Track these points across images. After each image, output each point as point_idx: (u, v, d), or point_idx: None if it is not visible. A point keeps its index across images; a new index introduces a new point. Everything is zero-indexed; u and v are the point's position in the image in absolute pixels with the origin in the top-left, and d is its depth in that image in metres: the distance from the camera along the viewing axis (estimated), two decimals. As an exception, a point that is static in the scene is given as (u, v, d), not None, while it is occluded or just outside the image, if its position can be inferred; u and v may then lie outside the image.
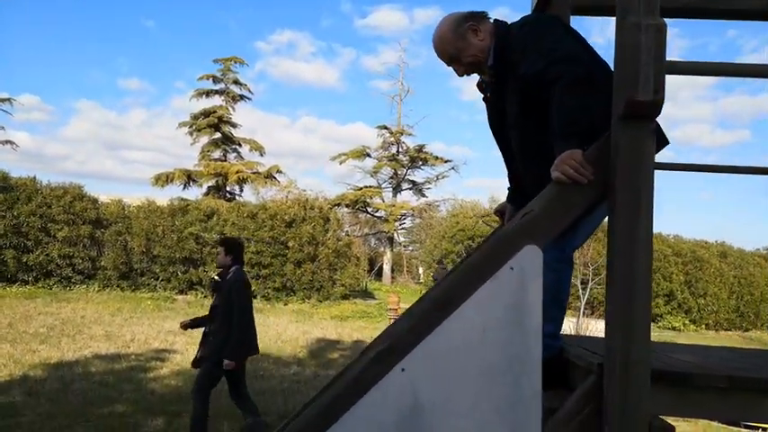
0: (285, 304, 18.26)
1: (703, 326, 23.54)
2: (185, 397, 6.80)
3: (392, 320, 12.68)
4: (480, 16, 2.16)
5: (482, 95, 2.32)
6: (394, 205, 30.10)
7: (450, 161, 30.41)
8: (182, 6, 52.81)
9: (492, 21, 2.18)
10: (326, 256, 18.79)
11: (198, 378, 5.12)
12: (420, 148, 30.05)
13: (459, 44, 2.12)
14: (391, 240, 30.49)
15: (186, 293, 18.21)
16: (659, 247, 22.96)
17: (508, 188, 2.49)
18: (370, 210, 31.42)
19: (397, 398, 1.61)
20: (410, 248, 37.28)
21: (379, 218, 31.74)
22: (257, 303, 17.95)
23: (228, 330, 4.92)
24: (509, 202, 2.48)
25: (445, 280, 1.68)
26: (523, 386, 1.59)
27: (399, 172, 30.94)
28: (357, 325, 14.64)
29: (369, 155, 31.11)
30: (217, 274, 5.90)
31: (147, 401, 6.52)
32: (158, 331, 11.71)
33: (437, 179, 30.92)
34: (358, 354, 7.97)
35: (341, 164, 31.45)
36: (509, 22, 2.18)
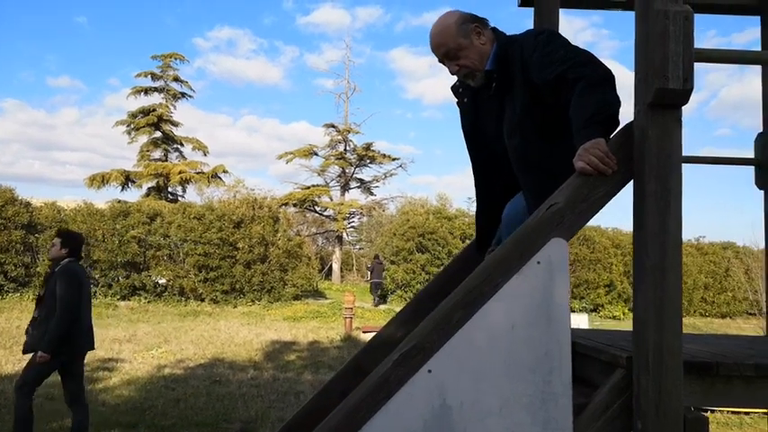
0: (234, 307, 17.83)
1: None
2: (139, 407, 6.50)
3: (347, 319, 12.58)
4: (484, 21, 2.14)
5: (456, 100, 2.27)
6: (342, 204, 29.93)
7: (397, 159, 30.53)
8: (115, 2, 50.70)
9: (492, 28, 2.15)
10: (277, 257, 18.47)
11: (23, 371, 4.79)
12: (368, 147, 30.00)
13: (462, 41, 2.07)
14: (340, 239, 30.31)
15: (129, 299, 17.49)
16: (600, 239, 23.81)
17: (477, 225, 2.37)
18: (318, 209, 31.13)
19: (424, 400, 1.54)
20: (358, 247, 37.17)
21: (327, 217, 31.50)
22: (205, 307, 17.48)
23: (51, 323, 4.60)
24: (478, 249, 2.36)
25: (469, 277, 1.61)
26: (554, 382, 1.55)
27: (347, 170, 30.78)
28: (311, 325, 14.43)
29: (316, 153, 30.82)
30: (48, 267, 5.74)
31: (99, 414, 6.17)
32: (102, 340, 11.12)
33: (385, 177, 30.98)
34: (315, 355, 7.96)
35: (287, 163, 31.00)
36: (507, 33, 2.15)
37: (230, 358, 9.90)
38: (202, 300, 17.99)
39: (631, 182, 1.62)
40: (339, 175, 31.15)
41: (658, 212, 1.51)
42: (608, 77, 1.79)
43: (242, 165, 62.87)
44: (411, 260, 21.30)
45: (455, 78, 2.22)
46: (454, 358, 1.55)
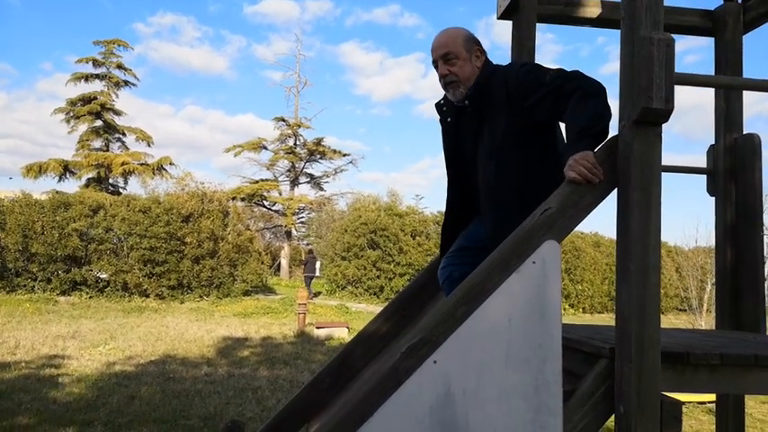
0: (181, 303, 17.45)
1: (581, 309, 25.61)
2: (93, 405, 6.35)
3: (300, 315, 12.58)
4: (484, 51, 2.30)
5: (440, 117, 2.39)
6: (292, 199, 29.73)
7: (348, 155, 30.57)
8: (51, -19, 48.32)
9: (486, 57, 2.29)
10: (227, 252, 18.19)
11: None
12: (318, 142, 29.91)
13: (464, 53, 2.23)
14: (289, 234, 30.11)
15: (69, 294, 16.83)
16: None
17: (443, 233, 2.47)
18: (267, 203, 30.80)
19: (430, 388, 1.66)
20: (306, 242, 36.99)
21: (276, 212, 31.21)
22: (150, 302, 17.03)
23: None
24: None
25: (469, 277, 1.74)
26: (546, 371, 1.70)
27: (297, 165, 30.59)
28: (263, 321, 14.33)
29: (265, 147, 30.47)
30: None
31: (52, 412, 6.00)
32: (45, 336, 10.74)
33: (335, 173, 30.98)
34: (269, 351, 7.97)
35: (236, 156, 30.52)
36: (495, 64, 2.29)
37: (182, 355, 9.74)
38: (147, 295, 17.51)
39: (615, 190, 1.80)
40: (289, 170, 30.92)
41: (641, 219, 1.69)
42: (602, 88, 1.96)
43: (184, 157, 61.29)
44: (362, 256, 21.43)
45: (434, 90, 2.37)
46: (458, 350, 1.68)
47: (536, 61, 2.71)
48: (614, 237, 1.77)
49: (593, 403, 1.73)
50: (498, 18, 2.94)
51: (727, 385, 1.77)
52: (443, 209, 2.48)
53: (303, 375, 8.42)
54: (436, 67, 2.29)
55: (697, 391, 1.78)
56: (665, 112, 1.67)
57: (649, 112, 1.66)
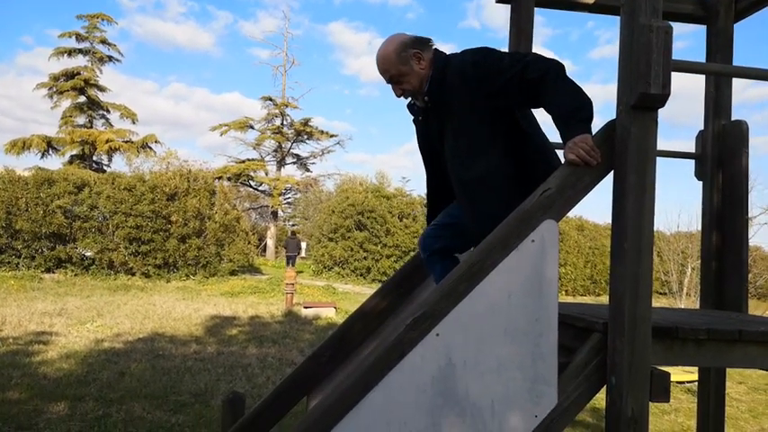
0: (167, 281, 17.43)
1: (563, 292, 26.01)
2: (83, 380, 6.39)
3: (288, 295, 12.65)
4: (425, 43, 2.25)
5: (413, 117, 2.43)
6: (278, 179, 29.62)
7: (335, 136, 30.46)
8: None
9: (434, 49, 2.26)
10: (214, 231, 18.14)
11: None
12: (306, 122, 29.75)
13: (402, 68, 2.21)
14: (275, 215, 30.06)
15: (54, 272, 16.73)
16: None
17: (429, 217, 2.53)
18: (253, 183, 30.66)
19: (432, 359, 1.74)
20: (291, 223, 36.95)
21: (262, 192, 31.10)
22: (136, 281, 17.01)
23: None
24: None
25: (472, 253, 1.81)
26: (542, 344, 1.79)
27: (284, 145, 30.43)
28: (250, 301, 14.38)
29: (252, 127, 30.24)
30: None
31: (42, 387, 6.03)
32: (31, 313, 10.71)
33: (322, 154, 30.89)
34: (257, 330, 8.03)
35: (222, 135, 30.29)
36: (447, 53, 2.27)
37: (170, 333, 9.78)
38: (133, 274, 17.47)
39: (611, 173, 1.87)
40: (275, 150, 30.77)
41: (636, 201, 1.76)
42: (563, 67, 1.98)
43: (168, 134, 60.61)
44: (349, 237, 21.50)
45: None
46: (459, 323, 1.76)
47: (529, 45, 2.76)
48: (598, 221, 1.84)
49: (586, 374, 1.82)
50: (497, 2, 2.98)
51: (713, 359, 1.87)
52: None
53: (292, 354, 8.51)
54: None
55: (684, 364, 1.87)
56: (662, 98, 1.73)
57: (647, 98, 1.73)
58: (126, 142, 27.14)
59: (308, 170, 31.57)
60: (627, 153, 1.78)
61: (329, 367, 2.56)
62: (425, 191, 2.52)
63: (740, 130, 2.79)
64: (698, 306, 2.95)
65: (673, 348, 1.85)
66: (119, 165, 29.44)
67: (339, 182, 29.06)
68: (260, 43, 57.89)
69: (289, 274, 12.67)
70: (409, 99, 2.37)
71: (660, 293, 26.80)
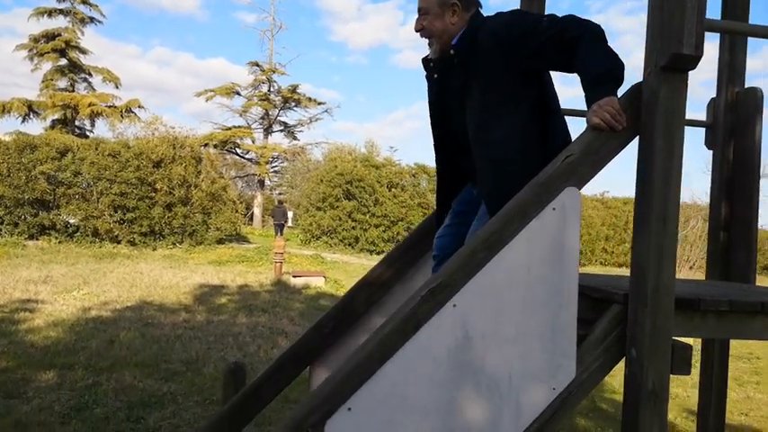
0: (154, 249, 17.26)
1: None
2: (72, 348, 6.30)
3: (277, 264, 12.58)
4: (471, 3, 2.17)
5: (426, 73, 2.33)
6: (266, 147, 29.27)
7: (323, 103, 30.06)
8: None
9: (474, 13, 2.18)
10: (200, 200, 17.92)
11: None
12: (293, 89, 29.28)
13: (435, 9, 2.15)
14: (262, 183, 29.79)
15: (37, 239, 16.47)
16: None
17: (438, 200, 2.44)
18: (239, 151, 30.28)
19: (449, 331, 1.67)
20: (277, 192, 36.69)
21: (249, 160, 30.74)
22: (122, 249, 16.82)
23: None
24: (437, 224, 2.43)
25: (490, 222, 1.73)
26: (562, 316, 1.73)
27: (271, 113, 29.98)
28: (238, 269, 14.30)
29: (239, 93, 29.71)
30: None
31: (30, 355, 5.94)
32: (16, 280, 10.55)
33: (310, 122, 30.50)
34: (246, 298, 7.95)
35: (207, 101, 29.73)
36: (486, 16, 2.19)
37: (158, 301, 9.69)
38: (118, 241, 17.26)
39: (636, 138, 1.79)
40: (262, 117, 30.33)
41: (663, 168, 1.68)
42: (602, 30, 1.91)
43: (152, 100, 59.45)
44: (338, 207, 21.38)
45: (419, 41, 2.28)
46: (477, 294, 1.69)
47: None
48: (584, 192, 1.77)
49: (605, 346, 1.77)
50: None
51: (733, 331, 1.83)
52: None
53: (282, 323, 8.48)
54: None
55: (703, 335, 1.84)
56: (695, 59, 1.64)
57: (679, 59, 1.64)
58: (109, 107, 26.53)
59: (295, 138, 31.24)
60: (654, 117, 1.69)
61: (332, 338, 2.50)
62: (435, 160, 2.41)
63: (755, 98, 2.72)
64: (688, 276, 2.91)
65: (693, 320, 1.81)
66: (102, 130, 28.87)
67: (327, 150, 28.78)
68: (246, 6, 56.57)
69: (278, 243, 12.59)
70: (427, 54, 2.28)
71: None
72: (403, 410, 1.65)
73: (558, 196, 1.72)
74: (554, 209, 1.72)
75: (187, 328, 7.75)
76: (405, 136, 64.33)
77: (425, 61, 2.31)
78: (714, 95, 2.91)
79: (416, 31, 2.22)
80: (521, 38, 1.98)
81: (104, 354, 6.19)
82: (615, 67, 1.83)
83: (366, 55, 60.10)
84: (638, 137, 1.78)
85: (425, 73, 2.33)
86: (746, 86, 2.80)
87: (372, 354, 1.62)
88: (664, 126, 1.69)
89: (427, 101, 2.35)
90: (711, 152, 2.92)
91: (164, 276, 12.46)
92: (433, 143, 2.38)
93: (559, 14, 2.01)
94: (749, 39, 2.88)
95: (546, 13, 2.56)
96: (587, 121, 1.79)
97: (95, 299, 9.40)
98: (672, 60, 1.65)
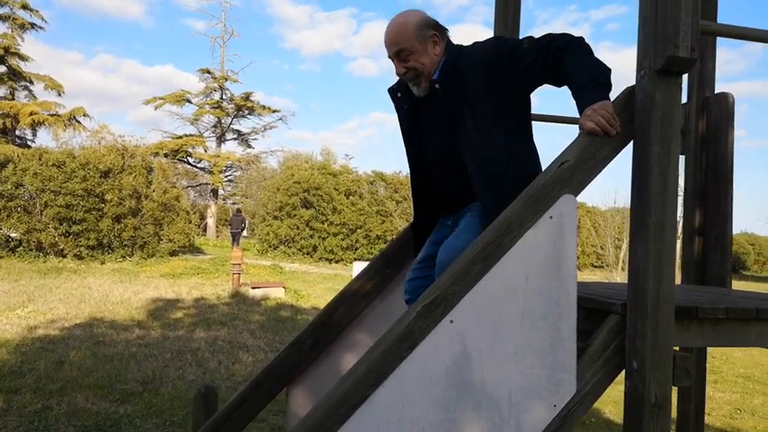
0: (102, 263, 16.57)
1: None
2: (18, 371, 5.91)
3: (235, 275, 12.25)
4: (445, 31, 2.15)
5: (395, 104, 2.27)
6: (219, 156, 28.66)
7: (278, 111, 29.69)
8: None
9: (448, 40, 2.15)
10: (151, 211, 17.33)
11: None
12: (247, 96, 28.81)
13: (417, 46, 2.08)
14: (216, 193, 29.14)
15: (-25, 254, 15.58)
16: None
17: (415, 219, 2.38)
18: (192, 160, 29.55)
19: (446, 348, 1.58)
20: (231, 201, 35.96)
21: (201, 169, 30.03)
22: (68, 263, 16.06)
23: None
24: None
25: (484, 233, 1.65)
26: (561, 328, 1.66)
27: (224, 121, 29.41)
28: (193, 282, 13.85)
29: (189, 101, 29.01)
30: None
31: (-29, 380, 5.53)
32: (-46, 299, 9.91)
33: (264, 130, 30.07)
34: (204, 312, 7.67)
35: (156, 108, 28.92)
36: (458, 44, 2.17)
37: (109, 318, 9.25)
38: (64, 256, 16.50)
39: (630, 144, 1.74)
40: (214, 126, 29.70)
41: (660, 173, 1.64)
42: (584, 40, 1.91)
43: (97, 108, 57.62)
44: (295, 215, 21.07)
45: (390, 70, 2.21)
46: (474, 309, 1.60)
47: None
48: None
49: (604, 359, 1.71)
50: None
51: (729, 338, 1.80)
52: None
53: (243, 336, 8.23)
54: (393, 61, 2.15)
55: (700, 344, 1.81)
56: (690, 62, 1.61)
57: (675, 61, 1.60)
58: (52, 116, 25.45)
59: (249, 146, 30.70)
60: (650, 121, 1.65)
61: (311, 355, 2.36)
62: (410, 179, 2.35)
63: (726, 103, 2.75)
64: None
65: (689, 329, 1.77)
66: (44, 140, 27.62)
67: (282, 159, 28.39)
68: (195, 13, 55.45)
69: (235, 253, 12.27)
70: (393, 84, 2.23)
71: (595, 266, 27.86)
72: (399, 435, 1.54)
73: (555, 204, 1.66)
74: (551, 217, 1.66)
75: (142, 346, 7.41)
76: (360, 144, 64.40)
77: (393, 92, 2.25)
78: (685, 101, 2.94)
79: (401, 75, 2.14)
80: (511, 62, 1.97)
81: (54, 375, 5.82)
82: (603, 72, 1.81)
83: (319, 63, 59.89)
84: (632, 142, 1.74)
85: (394, 104, 2.26)
86: (717, 92, 2.84)
87: (366, 376, 1.51)
88: (660, 130, 1.65)
89: (400, 130, 2.28)
90: (683, 157, 2.94)
91: (114, 291, 11.96)
92: (409, 168, 2.32)
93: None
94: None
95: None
96: (581, 127, 1.74)
97: (42, 317, 8.90)
98: (668, 63, 1.61)
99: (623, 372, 1.73)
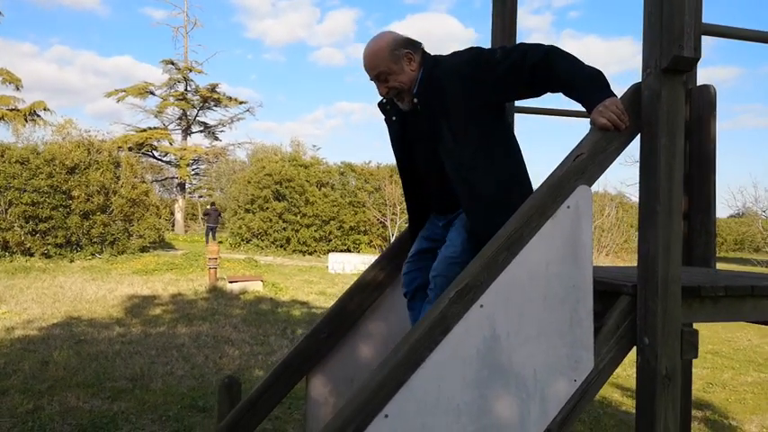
0: (71, 261, 16.24)
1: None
2: (2, 372, 5.83)
3: (212, 270, 12.17)
4: (418, 46, 2.23)
5: (384, 117, 2.38)
6: (185, 149, 28.19)
7: (245, 102, 29.34)
8: None
9: (422, 51, 2.24)
10: (120, 206, 17.01)
11: None
12: (212, 88, 28.37)
13: (393, 66, 2.18)
14: (183, 187, 28.70)
15: (-63, 256, 15.07)
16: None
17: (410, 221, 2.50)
18: (157, 154, 29.00)
19: (477, 332, 1.69)
20: (198, 195, 35.47)
21: (167, 163, 29.51)
22: (36, 262, 15.69)
23: None
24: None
25: (508, 223, 1.77)
26: (579, 310, 1.79)
27: (189, 113, 28.91)
28: (168, 278, 13.71)
29: (152, 93, 28.42)
30: None
31: (-46, 384, 5.43)
32: None
33: (231, 122, 29.69)
34: (183, 308, 7.63)
35: (118, 101, 28.24)
36: (434, 55, 2.25)
37: (87, 316, 9.13)
38: (32, 254, 16.10)
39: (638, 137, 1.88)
40: (179, 118, 29.19)
41: (667, 164, 1.78)
42: (557, 47, 2.01)
43: (53, 102, 55.68)
44: (267, 208, 20.96)
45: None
46: (501, 294, 1.72)
47: None
48: None
49: (617, 337, 1.85)
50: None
51: (727, 314, 1.97)
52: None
53: (225, 330, 8.23)
54: (375, 83, 2.26)
55: (702, 320, 1.96)
56: (694, 61, 1.75)
57: (680, 61, 1.74)
58: (11, 110, 24.65)
59: (216, 139, 30.29)
60: (657, 116, 1.79)
61: (328, 344, 2.45)
62: (404, 201, 2.47)
63: (708, 95, 2.92)
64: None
65: (692, 307, 1.92)
66: (3, 135, 26.70)
67: (252, 151, 28.12)
68: (154, 3, 54.07)
69: (211, 248, 12.18)
70: (381, 99, 2.32)
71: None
72: (436, 414, 1.65)
73: (572, 194, 1.78)
74: (568, 207, 1.78)
75: (125, 343, 7.36)
76: (327, 135, 64.08)
77: (382, 106, 2.35)
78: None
79: (384, 96, 2.24)
80: (484, 72, 2.05)
81: (40, 376, 5.76)
82: (598, 72, 1.93)
83: (283, 52, 59.27)
84: (639, 135, 1.87)
85: (384, 117, 2.36)
86: (699, 84, 3.01)
87: (404, 360, 1.61)
88: (667, 125, 1.78)
89: (390, 141, 2.39)
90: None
91: (87, 289, 11.76)
92: (400, 176, 2.43)
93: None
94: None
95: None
96: (592, 122, 1.86)
97: (17, 317, 8.73)
98: (673, 62, 1.74)
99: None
